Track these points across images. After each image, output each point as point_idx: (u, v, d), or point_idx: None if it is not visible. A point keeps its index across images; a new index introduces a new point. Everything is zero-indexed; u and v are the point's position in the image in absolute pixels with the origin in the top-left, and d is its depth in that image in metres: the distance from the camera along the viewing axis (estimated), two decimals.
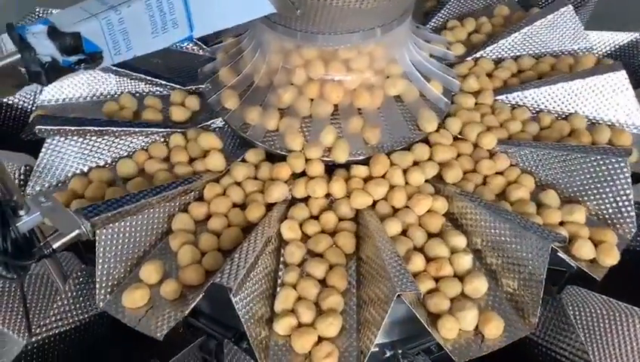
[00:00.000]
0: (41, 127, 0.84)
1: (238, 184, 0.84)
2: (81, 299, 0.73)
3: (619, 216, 0.78)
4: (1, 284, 0.79)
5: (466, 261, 0.73)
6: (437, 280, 0.72)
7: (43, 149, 0.86)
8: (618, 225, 0.79)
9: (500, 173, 0.86)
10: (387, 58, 0.87)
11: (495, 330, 0.68)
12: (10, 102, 1.04)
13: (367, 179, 0.82)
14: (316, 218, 0.80)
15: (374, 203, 0.81)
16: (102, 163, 0.90)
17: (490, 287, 0.73)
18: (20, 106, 1.05)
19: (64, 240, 0.64)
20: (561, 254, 0.71)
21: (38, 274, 0.80)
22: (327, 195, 0.82)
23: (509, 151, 0.87)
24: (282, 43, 0.84)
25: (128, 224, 0.76)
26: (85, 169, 0.89)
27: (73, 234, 0.65)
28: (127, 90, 1.03)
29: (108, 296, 0.73)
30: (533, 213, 0.78)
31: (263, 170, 0.85)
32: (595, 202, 0.81)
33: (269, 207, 0.81)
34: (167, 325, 0.68)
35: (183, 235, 0.78)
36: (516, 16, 1.21)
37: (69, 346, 0.71)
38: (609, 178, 0.79)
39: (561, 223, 0.79)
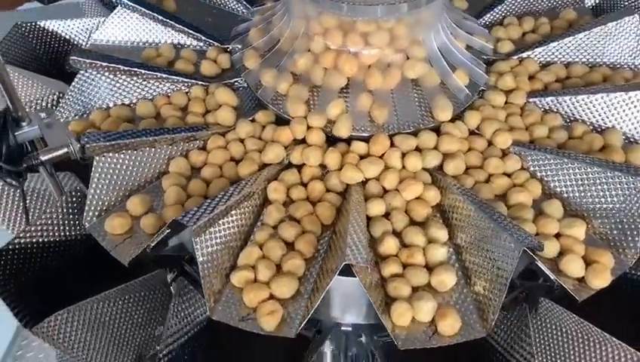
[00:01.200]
0: (76, 58, 0.91)
1: (241, 141, 0.86)
2: (70, 216, 0.78)
3: (623, 239, 0.72)
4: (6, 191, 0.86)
5: (439, 253, 0.71)
6: (406, 266, 0.70)
7: (75, 80, 0.92)
8: (620, 249, 0.72)
9: (507, 175, 0.82)
10: (410, 38, 0.85)
11: (449, 328, 0.65)
12: (67, 36, 1.12)
13: (364, 157, 0.81)
14: (305, 185, 0.80)
15: (366, 181, 0.79)
16: (127, 101, 0.96)
17: (460, 284, 0.70)
18: (75, 42, 1.13)
19: (52, 154, 0.70)
20: (539, 263, 0.66)
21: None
22: (324, 166, 0.82)
23: (523, 153, 0.82)
24: (306, 9, 0.85)
25: (127, 157, 0.80)
26: (110, 105, 0.95)
27: (61, 151, 0.70)
28: (170, 41, 1.08)
29: (94, 218, 0.77)
30: (527, 219, 0.74)
31: (267, 131, 0.86)
32: (600, 220, 0.74)
33: (264, 166, 0.82)
34: (135, 252, 0.71)
35: (175, 177, 0.81)
36: (583, 21, 1.12)
37: (49, 257, 0.76)
38: (622, 197, 0.73)
39: (558, 235, 0.73)
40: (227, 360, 0.77)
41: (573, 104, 0.90)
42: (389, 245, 0.71)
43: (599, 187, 0.75)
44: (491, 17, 1.16)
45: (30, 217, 0.82)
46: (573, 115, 0.91)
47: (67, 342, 0.66)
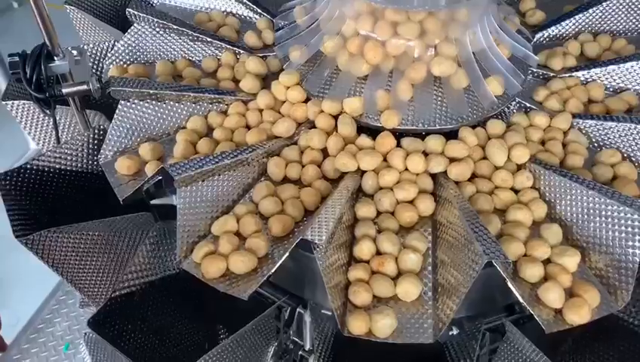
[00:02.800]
0: (131, 10, 0.97)
1: (260, 111, 0.89)
2: (90, 150, 0.85)
3: (617, 279, 0.66)
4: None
5: (410, 260, 0.70)
6: (374, 273, 0.70)
7: (128, 30, 0.99)
8: (612, 289, 0.67)
9: (515, 191, 0.77)
10: (442, 35, 0.83)
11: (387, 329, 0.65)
12: None
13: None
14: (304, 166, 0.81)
15: (363, 173, 0.79)
16: (172, 58, 1.01)
17: (426, 297, 0.68)
18: None
19: (73, 88, 0.76)
20: (508, 282, 0.63)
21: None
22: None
23: (537, 172, 0.78)
24: None
25: (150, 107, 0.86)
26: (156, 59, 1.01)
27: (81, 87, 0.76)
28: (227, 10, 1.12)
29: (109, 157, 0.84)
30: (518, 238, 0.70)
31: (285, 106, 0.88)
32: (599, 256, 0.69)
33: (274, 138, 0.84)
34: (130, 191, 0.76)
35: (189, 133, 0.86)
36: None
37: (64, 185, 0.84)
38: (623, 233, 0.67)
39: (548, 261, 0.69)
40: (197, 310, 0.80)
41: (621, 132, 0.83)
42: (362, 248, 0.71)
43: (603, 219, 0.69)
44: (563, 29, 1.08)
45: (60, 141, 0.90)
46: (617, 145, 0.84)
47: (52, 260, 0.73)
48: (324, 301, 0.80)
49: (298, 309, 0.82)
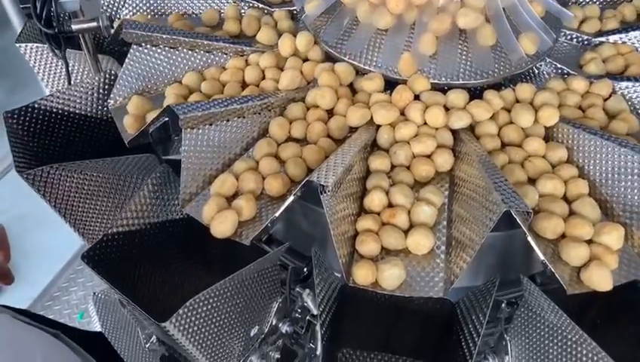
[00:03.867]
0: None
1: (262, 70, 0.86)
2: (99, 95, 0.83)
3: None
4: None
5: (423, 212, 0.66)
6: (384, 224, 0.66)
7: None
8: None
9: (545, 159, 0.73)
10: None
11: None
12: None
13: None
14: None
15: (377, 128, 0.76)
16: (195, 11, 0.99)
17: (438, 250, 0.65)
18: None
19: (82, 25, 0.75)
20: (531, 241, 0.59)
21: None
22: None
23: (566, 131, 0.73)
24: None
25: (162, 53, 0.84)
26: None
27: (91, 24, 0.74)
28: None
29: (118, 102, 0.82)
30: (557, 216, 0.65)
31: (291, 60, 0.85)
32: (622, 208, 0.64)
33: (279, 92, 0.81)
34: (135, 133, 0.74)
35: (181, 88, 0.82)
36: None
37: (72, 128, 0.82)
38: None
39: (590, 241, 0.64)
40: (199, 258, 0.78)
41: None
42: (372, 199, 0.67)
43: (635, 178, 0.64)
44: None
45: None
46: None
47: (54, 199, 0.72)
48: (333, 261, 0.77)
49: (297, 288, 0.80)
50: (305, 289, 0.82)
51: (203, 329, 0.61)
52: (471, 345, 0.57)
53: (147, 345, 0.96)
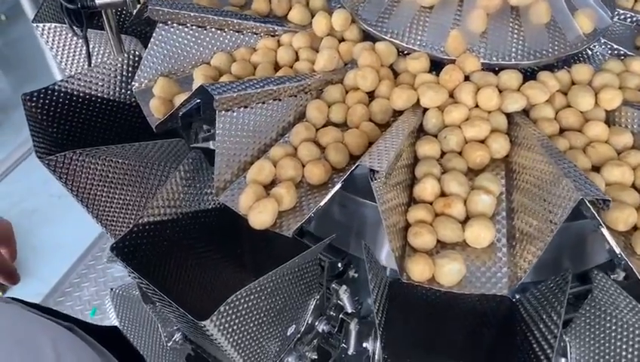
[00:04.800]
0: None
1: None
2: (123, 76, 0.78)
3: None
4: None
5: (482, 202, 0.60)
6: (438, 215, 0.61)
7: None
8: None
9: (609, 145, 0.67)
10: None
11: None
12: None
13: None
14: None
15: (425, 111, 0.70)
16: None
17: (499, 244, 0.59)
18: None
19: (107, 0, 0.69)
20: (604, 230, 0.53)
21: None
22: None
23: (630, 115, 0.67)
24: None
25: (189, 33, 0.79)
26: None
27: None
28: None
29: (143, 85, 0.77)
30: (629, 205, 0.59)
31: (327, 40, 0.79)
32: None
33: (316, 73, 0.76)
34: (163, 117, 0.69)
35: (209, 69, 0.77)
36: None
37: (94, 110, 0.78)
38: None
39: None
40: (233, 251, 0.73)
41: None
42: (424, 187, 0.62)
43: None
44: None
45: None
46: None
47: (76, 187, 0.67)
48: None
49: (333, 285, 0.75)
50: (341, 286, 0.77)
51: (242, 328, 0.56)
52: (545, 346, 0.52)
53: (169, 344, 0.91)
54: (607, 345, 0.59)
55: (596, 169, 0.65)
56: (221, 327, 0.52)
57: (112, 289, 1.18)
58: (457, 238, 0.59)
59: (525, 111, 0.71)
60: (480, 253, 0.58)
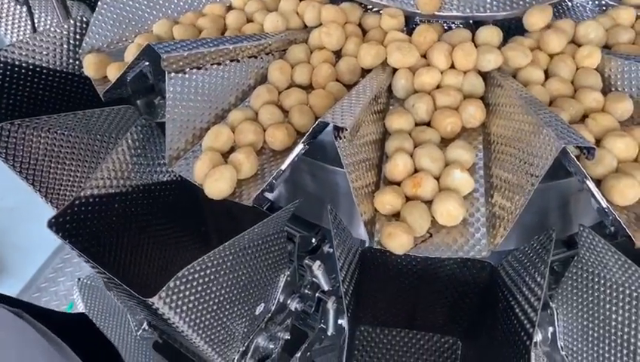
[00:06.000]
0: None
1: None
2: (69, 45, 0.72)
3: None
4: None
5: (456, 180, 0.55)
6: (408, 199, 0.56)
7: None
8: None
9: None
10: None
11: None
12: None
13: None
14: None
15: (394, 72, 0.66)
16: None
17: (476, 200, 0.54)
18: None
19: None
20: (588, 182, 0.49)
21: None
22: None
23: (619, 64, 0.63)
24: None
25: None
26: None
27: None
28: None
29: (89, 50, 0.71)
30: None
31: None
32: None
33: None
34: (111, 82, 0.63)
35: (150, 38, 0.71)
36: None
37: (40, 82, 0.72)
38: None
39: None
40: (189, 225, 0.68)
41: None
42: (395, 165, 0.56)
43: None
44: None
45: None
46: None
47: (18, 163, 0.62)
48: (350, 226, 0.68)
49: (306, 261, 0.71)
50: (315, 261, 0.72)
51: (199, 306, 0.51)
52: (529, 311, 0.48)
53: (139, 333, 0.86)
54: (595, 309, 0.55)
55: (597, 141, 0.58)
56: (173, 305, 0.48)
57: (79, 279, 1.13)
58: (424, 225, 0.53)
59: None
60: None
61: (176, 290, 0.47)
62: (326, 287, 0.75)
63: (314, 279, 0.75)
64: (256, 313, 0.64)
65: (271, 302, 0.67)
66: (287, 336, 0.70)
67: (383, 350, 0.74)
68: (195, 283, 0.49)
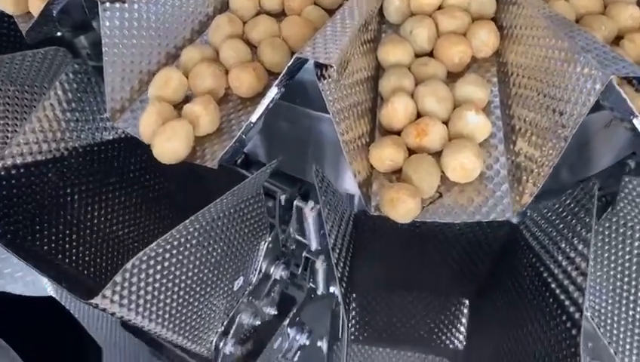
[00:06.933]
0: None
1: None
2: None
3: None
4: None
5: (470, 123, 0.44)
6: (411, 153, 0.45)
7: None
8: None
9: None
10: None
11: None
12: None
13: None
14: None
15: None
16: None
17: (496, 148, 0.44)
18: None
19: None
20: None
21: None
22: None
23: None
24: None
25: None
26: None
27: None
28: None
29: None
30: None
31: None
32: None
33: None
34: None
35: None
36: None
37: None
38: None
39: None
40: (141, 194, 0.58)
41: None
42: (394, 109, 0.45)
43: None
44: None
45: None
46: None
47: None
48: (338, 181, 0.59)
49: (296, 202, 0.61)
50: (307, 203, 0.63)
51: (161, 296, 0.42)
52: (571, 289, 0.38)
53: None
54: (633, 268, 0.47)
55: None
56: (125, 302, 0.38)
57: None
58: (433, 184, 0.43)
59: None
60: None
61: (126, 284, 0.38)
62: (314, 246, 0.67)
63: (298, 237, 0.66)
64: (235, 288, 0.56)
65: (251, 273, 0.58)
66: (273, 311, 0.62)
67: (381, 313, 0.67)
68: (151, 271, 0.40)
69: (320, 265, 0.66)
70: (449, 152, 0.42)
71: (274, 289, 0.63)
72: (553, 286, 0.39)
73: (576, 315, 0.35)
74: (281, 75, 0.41)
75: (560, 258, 0.40)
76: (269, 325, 0.66)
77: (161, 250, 0.39)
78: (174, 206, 0.58)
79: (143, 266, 0.38)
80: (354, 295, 0.69)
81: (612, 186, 0.55)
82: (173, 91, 0.46)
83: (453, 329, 0.63)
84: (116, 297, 0.37)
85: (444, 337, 0.65)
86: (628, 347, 0.49)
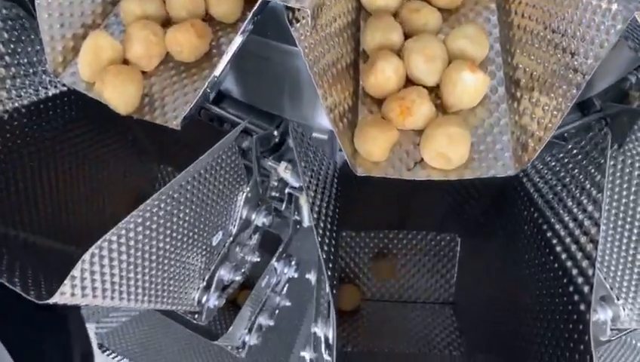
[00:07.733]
0: None
1: None
2: None
3: None
4: None
5: (467, 84, 0.39)
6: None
7: None
8: None
9: None
10: None
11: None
12: None
13: None
14: None
15: None
16: None
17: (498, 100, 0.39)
18: None
19: None
20: None
21: None
22: None
23: None
24: None
25: None
26: None
27: None
28: None
29: None
30: None
31: None
32: None
33: None
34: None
35: None
36: None
37: None
38: None
39: None
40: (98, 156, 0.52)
41: None
42: (383, 73, 0.39)
43: None
44: None
45: None
46: None
47: None
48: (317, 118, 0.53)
49: (269, 162, 0.58)
50: (280, 163, 0.59)
51: (129, 274, 0.38)
52: (580, 257, 0.35)
53: None
54: (632, 206, 0.44)
55: None
56: (88, 291, 0.34)
57: None
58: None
59: None
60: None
61: (86, 275, 0.34)
62: (296, 184, 0.63)
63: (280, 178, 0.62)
64: (214, 243, 0.52)
65: (231, 224, 0.55)
66: (256, 259, 0.59)
67: (370, 254, 0.65)
68: (115, 255, 0.36)
69: (304, 201, 0.63)
70: (434, 139, 0.37)
71: (254, 238, 0.60)
72: (558, 249, 0.36)
73: (585, 288, 0.32)
74: (246, 22, 0.35)
75: (566, 218, 0.36)
76: (255, 265, 0.64)
77: (123, 232, 0.35)
78: (149, 151, 0.53)
79: (104, 253, 0.34)
80: (343, 233, 0.66)
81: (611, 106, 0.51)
82: (106, 61, 0.39)
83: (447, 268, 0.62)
84: (77, 290, 0.33)
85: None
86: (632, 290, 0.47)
